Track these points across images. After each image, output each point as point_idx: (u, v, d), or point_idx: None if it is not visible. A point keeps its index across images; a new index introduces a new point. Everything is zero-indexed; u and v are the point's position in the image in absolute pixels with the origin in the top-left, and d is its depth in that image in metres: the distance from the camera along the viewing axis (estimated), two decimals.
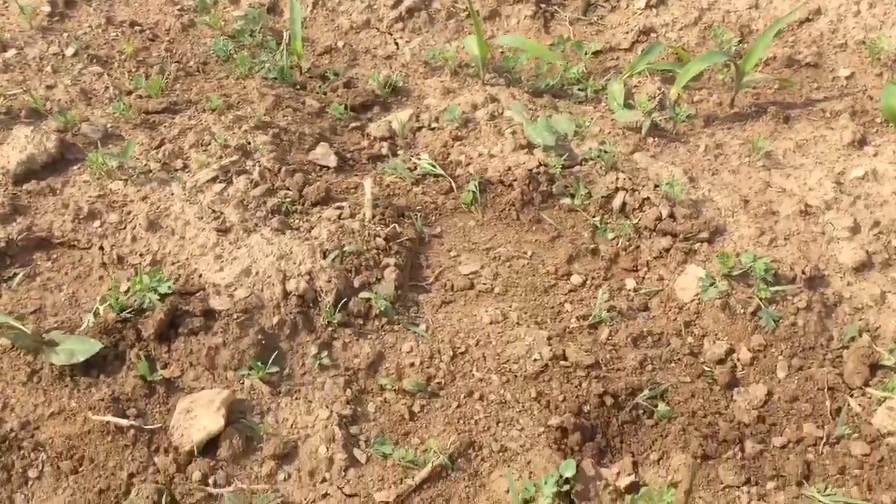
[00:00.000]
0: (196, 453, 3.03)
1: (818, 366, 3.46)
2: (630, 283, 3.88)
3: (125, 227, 3.88)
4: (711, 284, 3.65)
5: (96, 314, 3.41)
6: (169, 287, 3.47)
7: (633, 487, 3.03)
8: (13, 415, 3.13)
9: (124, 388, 3.23)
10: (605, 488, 3.03)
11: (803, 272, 3.72)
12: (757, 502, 2.96)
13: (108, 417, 3.09)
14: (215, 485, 2.96)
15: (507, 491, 2.97)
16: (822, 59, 5.22)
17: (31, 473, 3.00)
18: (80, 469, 3.01)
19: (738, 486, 3.04)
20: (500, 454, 3.14)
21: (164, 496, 2.85)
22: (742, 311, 3.61)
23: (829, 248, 3.87)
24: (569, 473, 2.97)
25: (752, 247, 3.85)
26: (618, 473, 3.08)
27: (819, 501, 2.95)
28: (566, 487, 2.97)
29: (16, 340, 3.25)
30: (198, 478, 2.96)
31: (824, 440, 3.21)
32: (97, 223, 3.88)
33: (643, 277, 3.91)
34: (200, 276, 3.64)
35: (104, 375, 3.28)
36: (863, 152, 4.36)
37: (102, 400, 3.16)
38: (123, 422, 3.08)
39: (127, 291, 3.50)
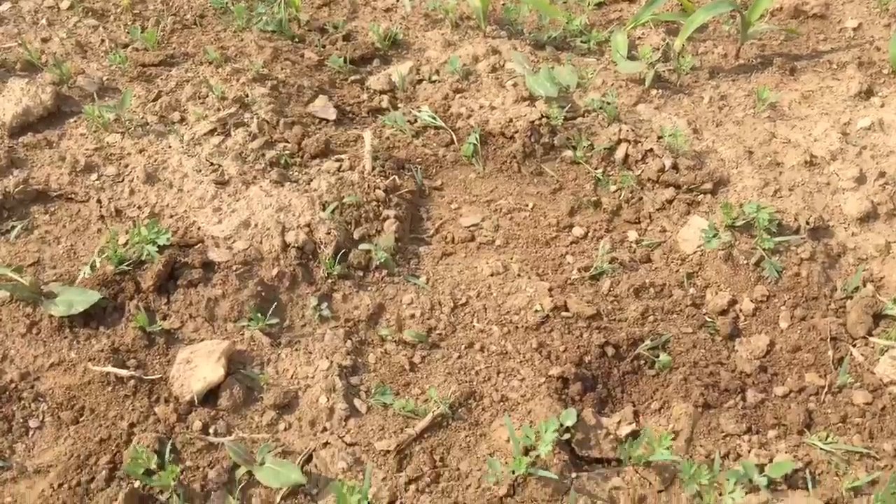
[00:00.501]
0: (196, 403, 3.03)
1: (821, 316, 3.44)
2: (632, 235, 3.84)
3: (123, 180, 3.84)
4: (714, 235, 3.61)
5: (94, 266, 3.39)
6: (167, 239, 3.44)
7: (634, 436, 3.02)
8: (13, 366, 3.13)
9: (124, 339, 3.21)
10: (605, 437, 3.02)
11: (807, 223, 3.68)
12: (758, 450, 2.95)
13: (108, 368, 3.08)
14: (216, 434, 2.96)
15: (508, 440, 2.96)
16: (829, 10, 5.13)
17: (32, 423, 3.00)
18: (81, 419, 3.01)
19: (739, 435, 3.03)
20: (501, 404, 3.14)
21: (165, 445, 2.85)
22: (745, 261, 3.58)
23: (834, 199, 3.83)
24: (570, 422, 2.96)
25: (755, 197, 3.81)
26: (619, 422, 3.07)
27: (821, 449, 2.94)
28: (567, 436, 2.97)
29: (14, 292, 3.24)
30: (198, 427, 2.96)
31: (826, 389, 3.20)
32: (94, 176, 3.85)
33: (645, 229, 3.87)
34: (199, 228, 3.61)
35: (103, 327, 3.27)
36: (869, 103, 4.30)
37: (102, 351, 3.15)
38: (123, 372, 3.07)
39: (125, 244, 3.47)
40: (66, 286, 3.32)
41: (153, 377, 3.11)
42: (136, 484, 2.78)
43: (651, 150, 4.06)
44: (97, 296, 3.24)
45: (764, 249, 3.57)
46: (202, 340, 3.23)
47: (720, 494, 2.79)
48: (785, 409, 3.14)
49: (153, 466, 2.75)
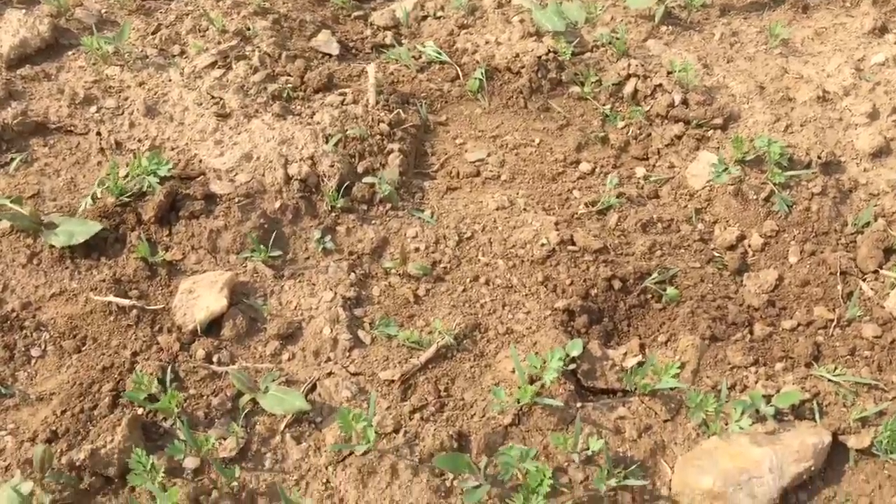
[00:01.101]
0: (199, 333, 3.01)
1: (831, 250, 3.39)
2: (640, 171, 3.78)
3: (123, 113, 3.78)
4: (724, 170, 3.55)
5: (94, 197, 3.35)
6: (168, 170, 3.39)
7: (640, 367, 2.99)
8: (14, 296, 3.10)
9: (125, 269, 3.18)
10: (611, 368, 3.00)
11: (819, 157, 3.62)
12: (765, 381, 2.93)
13: (110, 298, 3.05)
14: (219, 363, 2.94)
15: (513, 371, 2.94)
16: None
17: (34, 352, 2.99)
18: (83, 348, 2.99)
19: (746, 367, 3.00)
20: (506, 336, 3.11)
21: (167, 373, 2.83)
22: (755, 196, 3.53)
23: (846, 135, 3.75)
24: (575, 352, 2.94)
25: (767, 133, 3.74)
26: (625, 354, 3.05)
27: (829, 381, 2.92)
28: (572, 367, 2.95)
29: (14, 221, 3.20)
30: (201, 356, 2.94)
31: (835, 323, 3.17)
32: (94, 109, 3.78)
33: (654, 165, 3.81)
34: (200, 161, 3.56)
35: (105, 258, 3.24)
36: (883, 40, 4.20)
37: (104, 281, 3.12)
38: (125, 302, 3.04)
39: (126, 176, 3.42)
40: (66, 217, 3.28)
41: (155, 307, 3.09)
42: (140, 411, 2.76)
43: (660, 85, 3.98)
44: (98, 226, 3.20)
45: (774, 184, 3.51)
46: (204, 272, 3.20)
47: (726, 424, 2.77)
48: (793, 342, 3.11)
49: (155, 391, 2.74)
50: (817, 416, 2.83)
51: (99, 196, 3.35)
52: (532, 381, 2.84)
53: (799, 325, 3.18)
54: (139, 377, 2.71)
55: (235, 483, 2.60)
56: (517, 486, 2.57)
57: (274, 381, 2.84)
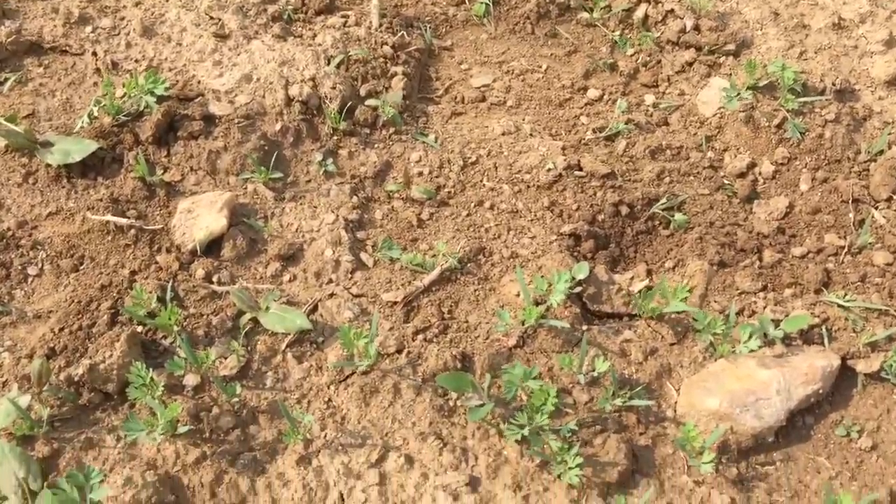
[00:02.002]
0: (199, 252, 2.95)
1: (843, 178, 3.32)
2: (649, 98, 3.69)
3: (119, 33, 3.68)
4: (736, 96, 3.47)
5: (91, 116, 3.27)
6: (166, 89, 3.31)
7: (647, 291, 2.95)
8: (10, 215, 3.04)
9: (123, 189, 3.12)
10: (617, 292, 2.95)
11: (833, 84, 3.53)
12: (774, 307, 2.88)
13: (108, 217, 2.99)
14: (219, 283, 2.89)
15: (518, 294, 2.89)
16: None
17: (31, 271, 2.93)
18: (81, 267, 2.94)
19: (755, 293, 2.96)
20: (511, 260, 3.06)
21: (167, 291, 2.78)
22: (767, 123, 3.44)
23: (862, 62, 3.66)
24: (581, 276, 2.89)
25: (780, 59, 3.63)
26: (631, 279, 3.00)
27: (839, 307, 2.87)
28: (578, 290, 2.90)
29: (8, 140, 3.12)
30: (201, 275, 2.89)
31: (846, 250, 3.11)
32: (89, 28, 3.68)
33: (663, 93, 3.72)
34: (199, 81, 3.46)
35: (102, 178, 3.17)
36: None
37: (101, 200, 3.06)
38: (123, 221, 2.98)
39: (123, 96, 3.34)
40: (62, 136, 3.20)
41: (154, 227, 3.03)
42: (139, 329, 2.72)
43: (672, 10, 3.87)
44: (94, 145, 3.13)
45: (787, 110, 3.42)
46: (204, 193, 3.13)
47: (733, 347, 2.73)
48: (802, 268, 3.06)
49: (154, 307, 2.69)
50: (826, 340, 2.79)
51: (95, 115, 3.27)
52: (537, 304, 2.79)
53: (809, 252, 3.12)
54: (138, 293, 2.66)
55: (236, 399, 2.57)
56: (521, 406, 2.54)
57: (275, 300, 2.79)
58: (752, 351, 2.70)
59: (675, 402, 2.67)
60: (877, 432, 2.64)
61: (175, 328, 2.68)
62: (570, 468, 2.38)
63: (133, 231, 2.99)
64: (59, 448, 2.44)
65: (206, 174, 3.20)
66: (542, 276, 2.84)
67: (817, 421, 2.68)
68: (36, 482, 2.28)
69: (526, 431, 2.43)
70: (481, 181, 3.32)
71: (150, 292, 2.75)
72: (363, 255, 3.04)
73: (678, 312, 2.84)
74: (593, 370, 2.66)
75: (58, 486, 2.20)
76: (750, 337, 2.70)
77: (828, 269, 3.04)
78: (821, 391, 2.63)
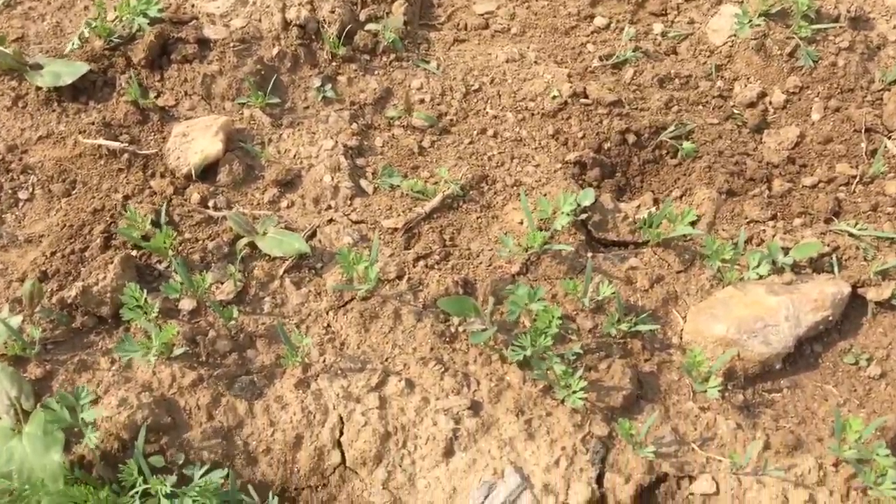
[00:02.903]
0: (194, 177, 2.87)
1: (856, 107, 3.23)
2: (658, 27, 3.57)
3: None
4: (747, 23, 3.35)
5: (82, 38, 3.17)
6: (159, 11, 3.19)
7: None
8: None
9: (115, 113, 3.03)
10: (623, 220, 2.88)
11: (848, 11, 3.41)
12: (783, 235, 2.81)
13: (100, 141, 2.91)
14: (215, 208, 2.82)
15: (522, 222, 2.82)
16: None
17: (22, 195, 2.86)
18: (73, 192, 2.86)
19: (764, 221, 2.89)
20: (514, 188, 2.98)
21: (161, 215, 2.71)
22: (778, 52, 3.34)
23: None
24: (587, 202, 2.81)
25: None
26: (637, 207, 2.93)
27: (849, 235, 2.80)
28: (583, 216, 2.82)
29: None
30: (196, 200, 2.82)
31: (857, 179, 3.03)
32: None
33: (672, 21, 3.60)
34: (193, 5, 3.35)
35: (94, 102, 3.08)
36: None
37: (93, 124, 2.97)
38: (115, 145, 2.90)
39: (115, 18, 3.23)
40: (52, 58, 3.10)
41: (147, 152, 2.94)
42: (133, 253, 2.65)
43: None
44: (85, 67, 3.03)
45: (800, 38, 3.32)
46: (199, 118, 3.04)
47: (742, 275, 2.67)
48: (813, 198, 2.99)
49: (148, 230, 2.62)
50: (836, 269, 2.73)
51: (86, 38, 3.16)
52: (541, 229, 2.72)
53: (820, 181, 3.04)
54: (132, 215, 2.59)
55: (233, 323, 2.51)
56: (524, 331, 2.48)
57: (273, 224, 2.72)
58: (760, 277, 2.64)
59: (681, 330, 2.62)
60: (886, 360, 2.59)
61: (170, 252, 2.61)
62: (573, 392, 2.33)
63: (126, 155, 2.91)
64: (52, 370, 2.39)
65: (200, 99, 3.10)
66: (547, 201, 2.76)
67: (826, 349, 2.63)
68: (28, 402, 2.24)
69: (528, 352, 2.37)
70: (484, 109, 3.23)
71: (145, 215, 2.68)
72: (363, 182, 2.96)
73: (685, 239, 2.77)
74: (598, 296, 2.59)
75: (48, 406, 2.15)
76: (759, 263, 2.64)
77: (839, 198, 2.97)
78: (830, 318, 2.57)
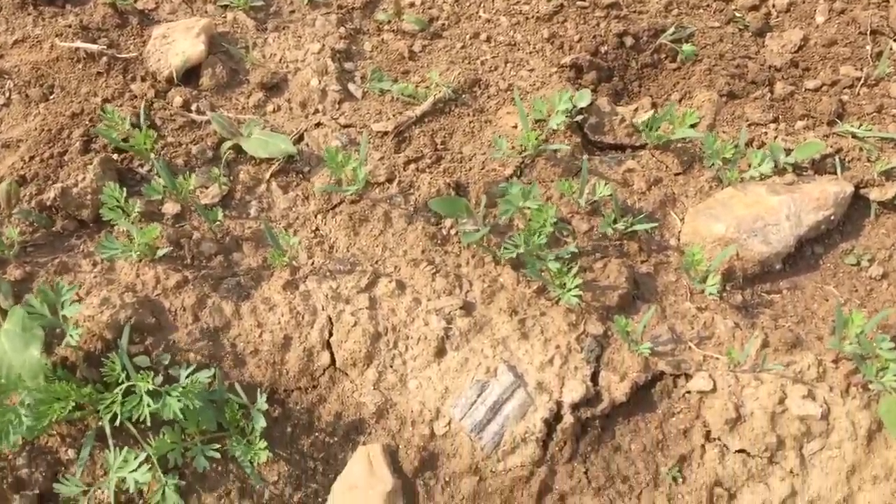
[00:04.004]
0: (175, 80, 2.77)
1: (862, 9, 3.12)
2: None
3: None
4: None
5: None
6: None
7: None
8: None
9: (93, 17, 2.91)
10: (620, 123, 2.79)
11: None
12: (785, 137, 2.73)
13: (78, 44, 2.79)
14: (198, 112, 2.72)
15: (516, 126, 2.74)
16: None
17: None
18: (51, 96, 2.76)
19: (765, 124, 2.80)
20: (508, 93, 2.88)
21: (141, 118, 2.61)
22: None
23: None
24: (583, 104, 2.72)
25: None
26: (635, 110, 2.84)
27: (853, 137, 2.72)
28: (579, 118, 2.74)
29: None
30: (179, 104, 2.72)
31: (862, 82, 2.94)
32: None
33: None
34: None
35: (70, 5, 2.97)
36: None
37: (70, 27, 2.85)
38: (94, 48, 2.79)
39: None
40: None
41: (127, 56, 2.83)
42: (115, 157, 2.56)
43: None
44: None
45: None
46: (179, 21, 2.93)
47: (742, 175, 2.59)
48: (816, 101, 2.90)
49: (128, 130, 2.52)
50: (839, 170, 2.65)
51: None
52: (537, 131, 2.63)
53: (823, 84, 2.95)
54: (110, 115, 2.49)
55: (218, 224, 2.43)
56: (518, 232, 2.41)
57: (258, 126, 2.63)
58: (762, 176, 2.56)
59: (679, 231, 2.55)
60: (888, 261, 2.53)
61: (151, 155, 2.52)
62: (568, 290, 2.27)
63: (105, 59, 2.80)
64: (31, 272, 2.32)
65: (181, 2, 3.00)
66: (542, 100, 2.67)
67: (827, 250, 2.57)
68: (7, 301, 2.17)
69: (522, 250, 2.30)
70: (477, 13, 3.11)
71: (125, 117, 2.58)
72: (351, 86, 2.86)
73: (684, 141, 2.69)
74: (594, 196, 2.52)
75: (28, 303, 2.08)
76: (761, 162, 2.56)
77: (842, 100, 2.88)
78: (832, 217, 2.51)
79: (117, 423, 2.01)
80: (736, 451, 2.18)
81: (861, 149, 2.69)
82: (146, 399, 1.98)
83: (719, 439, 2.19)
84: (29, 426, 1.91)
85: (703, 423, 2.21)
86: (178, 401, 2.00)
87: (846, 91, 2.92)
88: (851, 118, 2.82)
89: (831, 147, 2.69)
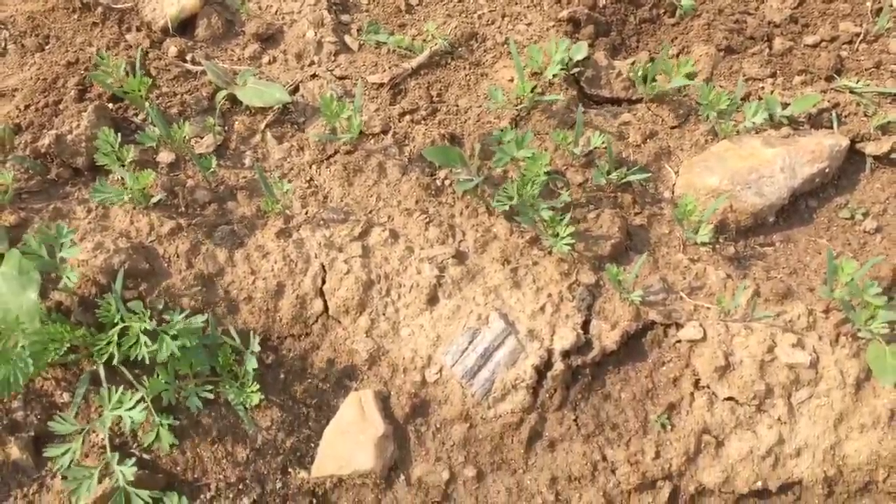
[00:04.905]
0: (171, 30, 2.76)
1: None
2: None
3: None
4: None
5: None
6: None
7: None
8: None
9: None
10: (617, 77, 2.78)
11: None
12: (782, 91, 2.72)
13: None
14: (193, 62, 2.71)
15: (512, 80, 2.73)
16: None
17: None
18: (46, 46, 2.75)
19: (763, 79, 2.79)
20: (505, 47, 2.87)
21: (136, 66, 2.61)
22: None
23: None
24: (579, 56, 2.71)
25: None
26: (632, 64, 2.82)
27: (850, 92, 2.71)
28: (576, 71, 2.72)
29: None
30: (174, 53, 2.71)
31: (861, 38, 2.92)
32: None
33: None
34: None
35: None
36: None
37: None
38: None
39: None
40: None
41: (122, 6, 2.82)
42: (110, 106, 2.56)
43: None
44: None
45: None
46: None
47: (737, 129, 2.59)
48: (814, 56, 2.88)
49: (123, 77, 2.51)
50: (835, 124, 2.64)
51: None
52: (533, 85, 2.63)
53: (822, 40, 2.93)
54: (105, 61, 2.48)
55: (212, 172, 2.44)
56: (512, 182, 2.41)
57: (253, 76, 2.62)
58: (756, 128, 2.55)
59: (674, 185, 2.55)
60: (882, 215, 2.53)
61: (146, 102, 2.52)
62: (561, 238, 2.27)
63: (100, 9, 2.79)
64: (26, 218, 2.33)
65: None
66: (539, 50, 2.65)
67: (821, 204, 2.57)
68: (3, 244, 2.18)
69: (515, 201, 2.31)
70: None
71: (119, 65, 2.57)
72: (347, 39, 2.85)
73: (680, 94, 2.68)
74: (589, 147, 2.52)
75: (26, 243, 2.09)
76: (755, 112, 2.55)
77: (841, 56, 2.86)
78: (827, 170, 2.51)
79: (114, 362, 2.03)
80: (724, 398, 2.20)
81: (858, 104, 2.68)
82: (143, 338, 2.00)
83: (708, 387, 2.21)
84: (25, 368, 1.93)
85: (693, 371, 2.23)
86: (175, 339, 2.02)
87: (845, 47, 2.90)
88: (850, 74, 2.81)
89: (828, 102, 2.68)
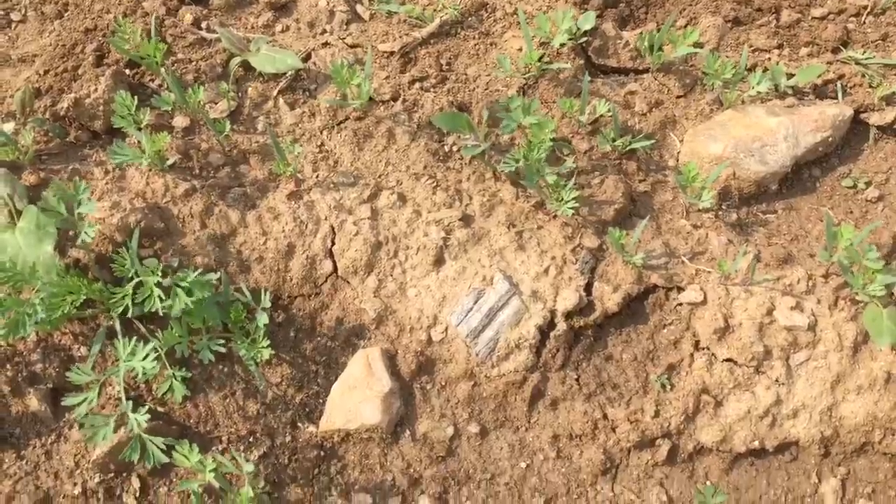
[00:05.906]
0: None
1: None
2: None
3: None
4: None
5: None
6: None
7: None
8: None
9: None
10: (624, 47, 2.81)
11: None
12: (787, 62, 2.74)
13: None
14: (208, 30, 2.77)
15: (520, 49, 2.76)
16: None
17: (14, 17, 2.83)
18: (66, 13, 2.82)
19: (769, 50, 2.81)
20: (514, 17, 2.90)
21: (153, 33, 2.67)
22: None
23: None
24: (587, 25, 2.74)
25: None
26: (640, 34, 2.85)
27: (856, 63, 2.73)
28: (583, 40, 2.76)
29: None
30: (189, 21, 2.77)
31: (868, 10, 2.94)
32: None
33: None
34: None
35: None
36: None
37: None
38: None
39: None
40: None
41: None
42: (127, 72, 2.62)
43: None
44: None
45: None
46: None
47: (742, 99, 2.62)
48: (821, 28, 2.90)
49: (139, 42, 2.57)
50: (840, 95, 2.67)
51: None
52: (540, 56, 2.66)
53: (829, 13, 2.95)
54: (123, 27, 2.54)
55: (226, 137, 2.49)
56: (518, 147, 2.46)
57: (266, 42, 2.68)
58: (760, 95, 2.59)
59: (678, 153, 2.59)
60: (885, 184, 2.56)
61: (162, 68, 2.58)
62: (565, 202, 2.32)
63: None
64: (46, 178, 2.40)
65: None
66: (546, 18, 2.68)
67: (824, 174, 2.60)
68: (22, 202, 2.25)
69: (521, 165, 2.35)
70: None
71: (136, 30, 2.63)
72: (359, 8, 2.90)
73: (687, 64, 2.71)
74: (595, 117, 2.56)
75: (45, 199, 2.16)
76: (759, 81, 2.58)
77: (848, 28, 2.88)
78: (830, 139, 2.53)
79: (129, 315, 2.09)
80: (723, 359, 2.25)
81: (863, 75, 2.70)
82: (157, 291, 2.07)
83: (708, 349, 2.26)
84: (42, 318, 2.00)
85: (693, 333, 2.28)
86: (188, 293, 2.08)
87: (852, 19, 2.92)
88: (856, 46, 2.83)
89: (834, 73, 2.71)
